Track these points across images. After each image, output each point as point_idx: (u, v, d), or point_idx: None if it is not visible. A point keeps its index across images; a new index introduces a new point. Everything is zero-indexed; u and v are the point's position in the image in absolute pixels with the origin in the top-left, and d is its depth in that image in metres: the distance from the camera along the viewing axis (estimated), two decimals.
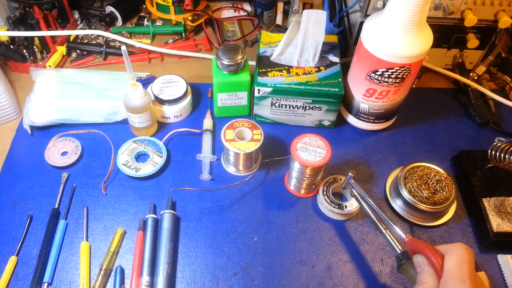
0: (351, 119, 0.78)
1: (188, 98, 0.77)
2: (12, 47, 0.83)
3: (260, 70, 0.73)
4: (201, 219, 0.66)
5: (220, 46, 0.88)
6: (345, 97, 0.76)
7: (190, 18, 0.94)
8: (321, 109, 0.74)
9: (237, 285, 0.60)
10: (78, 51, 0.89)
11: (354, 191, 0.61)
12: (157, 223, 0.64)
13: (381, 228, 0.56)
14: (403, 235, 0.52)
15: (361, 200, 0.60)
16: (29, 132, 0.74)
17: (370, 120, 0.76)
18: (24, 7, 0.84)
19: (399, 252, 0.52)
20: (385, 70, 0.65)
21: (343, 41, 0.88)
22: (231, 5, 1.00)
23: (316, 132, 0.67)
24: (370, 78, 0.68)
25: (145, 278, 0.58)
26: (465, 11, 0.76)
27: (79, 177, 0.69)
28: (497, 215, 0.64)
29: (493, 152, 0.67)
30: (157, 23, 0.95)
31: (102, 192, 0.68)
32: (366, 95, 0.71)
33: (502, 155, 0.66)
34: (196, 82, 0.84)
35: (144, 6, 0.98)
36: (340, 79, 0.72)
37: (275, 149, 0.75)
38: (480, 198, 0.66)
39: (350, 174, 0.61)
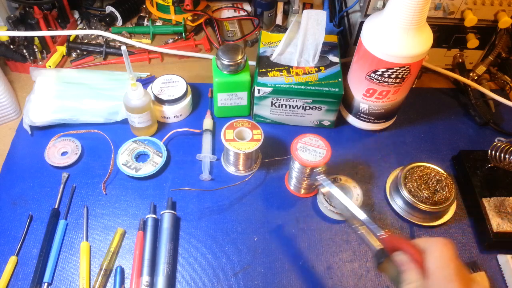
0: (351, 119, 0.78)
1: (188, 98, 0.77)
2: (12, 47, 0.83)
3: (260, 70, 0.73)
4: (201, 219, 0.66)
5: (220, 46, 0.88)
6: (345, 97, 0.76)
7: (190, 18, 0.94)
8: (321, 109, 0.74)
9: (237, 285, 0.60)
10: (78, 51, 0.89)
11: (322, 189, 0.56)
12: (157, 223, 0.64)
13: (355, 225, 0.51)
14: (381, 231, 0.48)
15: (333, 198, 0.54)
16: (29, 132, 0.74)
17: (370, 120, 0.76)
18: (24, 7, 0.84)
19: (376, 249, 0.48)
20: (385, 70, 0.65)
21: (343, 41, 0.88)
22: (231, 5, 1.00)
23: (316, 132, 0.67)
24: (370, 78, 0.68)
25: (145, 278, 0.58)
26: (465, 11, 0.76)
27: (79, 177, 0.69)
28: (497, 215, 0.64)
29: (493, 152, 0.67)
30: (157, 23, 0.95)
31: (102, 192, 0.68)
32: (366, 95, 0.71)
33: (502, 155, 0.66)
34: (196, 82, 0.84)
35: (144, 6, 0.98)
36: (340, 79, 0.72)
37: (275, 149, 0.75)
38: (480, 198, 0.66)
39: (315, 170, 0.55)
